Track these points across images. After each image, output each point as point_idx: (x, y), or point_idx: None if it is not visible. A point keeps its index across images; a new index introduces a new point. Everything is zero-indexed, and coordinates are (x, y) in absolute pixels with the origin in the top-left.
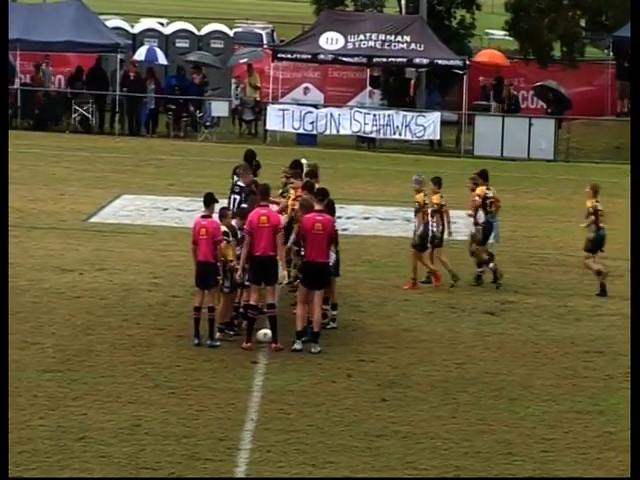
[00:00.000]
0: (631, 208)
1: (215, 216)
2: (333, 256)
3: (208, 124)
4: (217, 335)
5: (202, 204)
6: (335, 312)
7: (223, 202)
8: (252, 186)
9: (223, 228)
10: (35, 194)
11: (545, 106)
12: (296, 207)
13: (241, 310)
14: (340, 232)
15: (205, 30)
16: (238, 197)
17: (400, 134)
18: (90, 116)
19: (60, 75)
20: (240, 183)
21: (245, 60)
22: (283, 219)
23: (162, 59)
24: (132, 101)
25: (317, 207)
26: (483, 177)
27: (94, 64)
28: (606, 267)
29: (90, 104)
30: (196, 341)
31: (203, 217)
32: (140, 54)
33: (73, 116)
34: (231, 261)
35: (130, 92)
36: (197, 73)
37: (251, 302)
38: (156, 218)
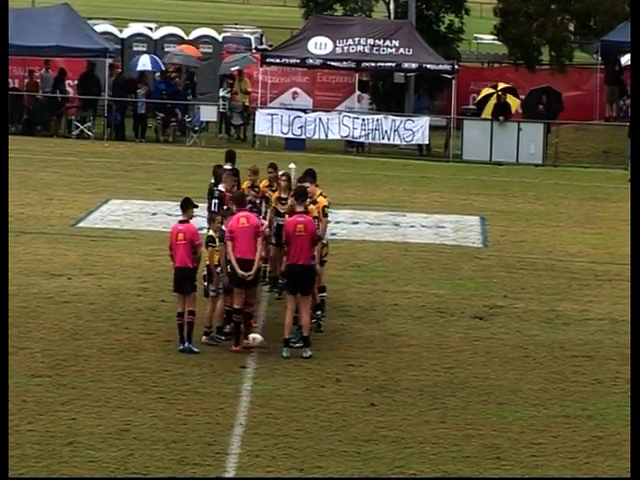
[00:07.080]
0: (631, 211)
1: (193, 221)
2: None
3: (197, 129)
4: (203, 339)
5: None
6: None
7: (203, 206)
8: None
9: (210, 233)
10: (23, 199)
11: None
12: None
13: (224, 315)
14: (329, 237)
15: (194, 35)
16: (218, 201)
17: (389, 139)
18: (91, 134)
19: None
20: (221, 188)
21: (236, 68)
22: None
23: (162, 66)
24: (119, 106)
25: (298, 209)
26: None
27: (87, 69)
28: None
29: (90, 121)
30: (181, 347)
31: (180, 222)
32: (144, 64)
33: (73, 132)
34: (217, 266)
35: (116, 96)
36: (179, 75)
37: (235, 306)
38: (144, 223)
